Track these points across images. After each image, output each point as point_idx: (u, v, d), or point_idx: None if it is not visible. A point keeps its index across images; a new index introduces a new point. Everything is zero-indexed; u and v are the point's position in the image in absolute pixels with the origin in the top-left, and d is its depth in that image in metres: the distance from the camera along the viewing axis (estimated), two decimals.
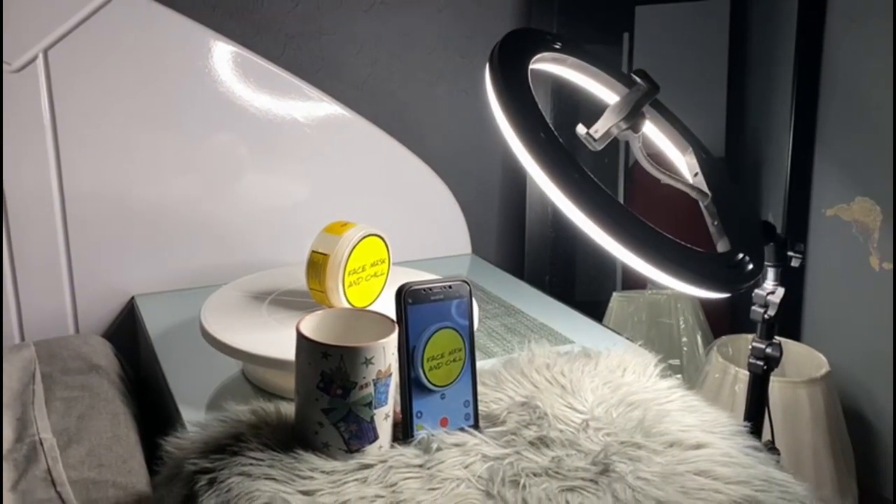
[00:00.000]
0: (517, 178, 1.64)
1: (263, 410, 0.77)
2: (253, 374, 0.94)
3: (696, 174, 0.93)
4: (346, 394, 0.71)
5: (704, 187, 0.90)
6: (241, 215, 1.29)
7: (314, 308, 0.97)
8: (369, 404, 0.72)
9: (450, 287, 0.78)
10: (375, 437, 0.73)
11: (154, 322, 1.14)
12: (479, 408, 0.80)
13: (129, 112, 1.18)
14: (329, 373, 0.70)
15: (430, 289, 0.77)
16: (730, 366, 1.36)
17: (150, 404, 1.07)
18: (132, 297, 1.23)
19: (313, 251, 0.94)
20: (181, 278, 1.25)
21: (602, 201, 0.74)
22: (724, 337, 1.51)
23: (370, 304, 0.99)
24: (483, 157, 1.61)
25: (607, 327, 1.17)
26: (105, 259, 1.21)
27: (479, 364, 0.80)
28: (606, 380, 0.87)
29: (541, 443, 0.76)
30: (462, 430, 0.78)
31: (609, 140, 0.81)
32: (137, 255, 1.23)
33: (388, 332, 0.74)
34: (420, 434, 0.76)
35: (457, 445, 0.75)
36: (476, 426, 0.79)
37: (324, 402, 0.71)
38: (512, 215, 1.67)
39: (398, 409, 0.76)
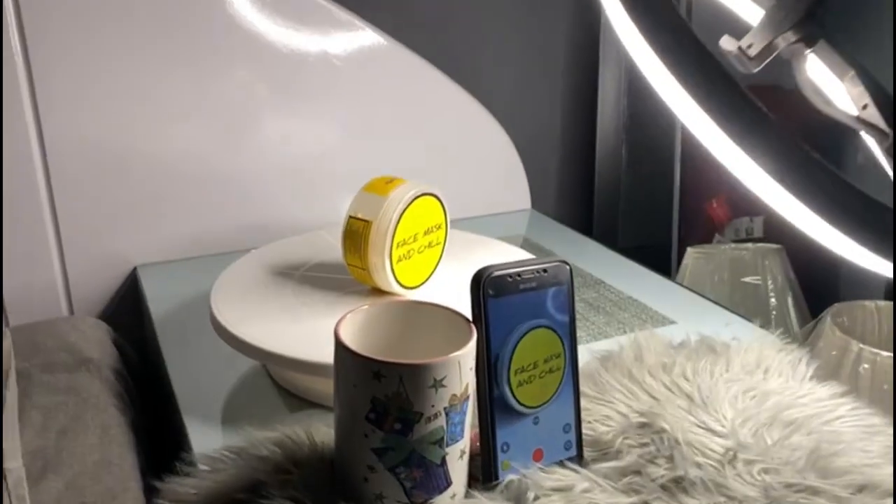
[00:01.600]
0: (584, 118, 1.40)
1: (293, 441, 0.57)
2: (281, 374, 0.74)
3: (864, 106, 0.69)
4: (407, 429, 0.50)
5: (882, 123, 0.66)
6: (261, 168, 1.07)
7: (353, 288, 0.76)
8: (440, 441, 0.51)
9: (544, 271, 0.56)
10: (447, 484, 0.52)
11: (158, 299, 0.93)
12: (584, 432, 0.59)
13: (121, 44, 0.96)
14: (383, 400, 0.49)
15: (520, 275, 0.55)
16: (851, 341, 1.13)
17: (157, 398, 0.88)
18: (134, 268, 1.03)
19: (351, 217, 0.72)
20: (192, 244, 1.05)
21: (778, 138, 0.51)
22: (837, 304, 1.28)
23: (424, 283, 0.77)
24: (543, 93, 1.37)
25: (718, 304, 0.95)
26: (100, 223, 1.00)
27: None
28: (747, 386, 0.65)
29: (676, 487, 0.55)
30: (562, 464, 0.57)
31: (768, 59, 0.57)
32: (139, 218, 1.02)
33: (464, 337, 0.52)
34: (507, 474, 0.55)
35: (559, 491, 0.54)
36: (580, 458, 0.58)
37: (376, 439, 0.50)
38: (578, 162, 1.44)
39: (476, 439, 0.55)
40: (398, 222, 0.71)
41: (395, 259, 0.72)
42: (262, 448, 0.56)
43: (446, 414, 0.50)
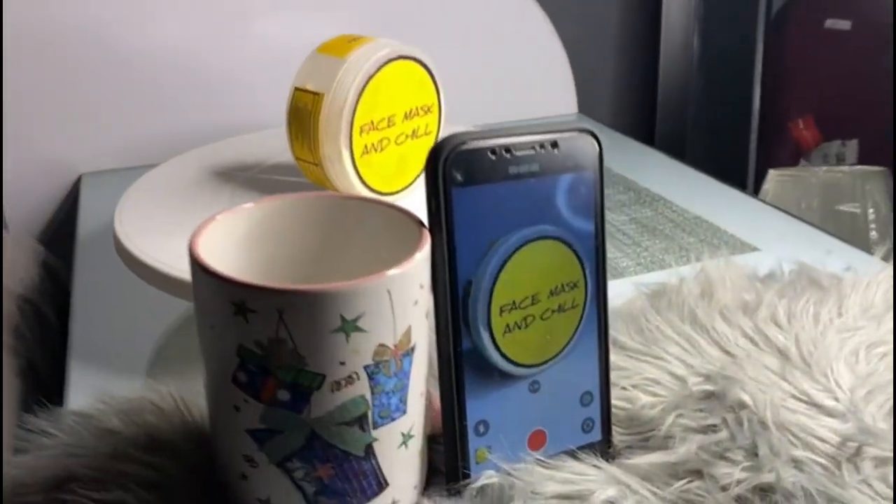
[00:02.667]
0: (641, 5, 1.15)
1: (157, 409, 0.37)
2: None
3: None
4: (300, 400, 0.29)
5: None
6: (248, 62, 0.87)
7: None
8: (360, 420, 0.30)
9: (553, 145, 0.34)
10: (379, 487, 0.32)
11: (94, 213, 0.75)
12: (614, 404, 0.38)
13: None
14: (257, 352, 0.29)
15: (510, 150, 0.33)
16: None
17: None
18: (80, 177, 0.84)
19: (298, 88, 0.51)
20: (151, 149, 0.85)
21: None
22: None
23: (406, 188, 0.56)
24: None
25: (816, 227, 0.71)
26: (45, 121, 0.82)
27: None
28: (872, 339, 0.43)
29: (762, 500, 0.33)
30: (576, 456, 0.36)
31: None
32: (88, 117, 0.83)
33: (407, 249, 0.31)
34: (484, 470, 0.34)
35: (568, 499, 0.33)
36: (606, 446, 0.37)
37: (251, 415, 0.30)
38: (636, 58, 1.19)
39: (438, 414, 0.35)
40: (360, 94, 0.49)
41: (357, 149, 0.50)
42: (111, 418, 0.36)
43: (370, 376, 0.30)
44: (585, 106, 1.06)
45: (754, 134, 1.37)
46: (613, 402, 0.38)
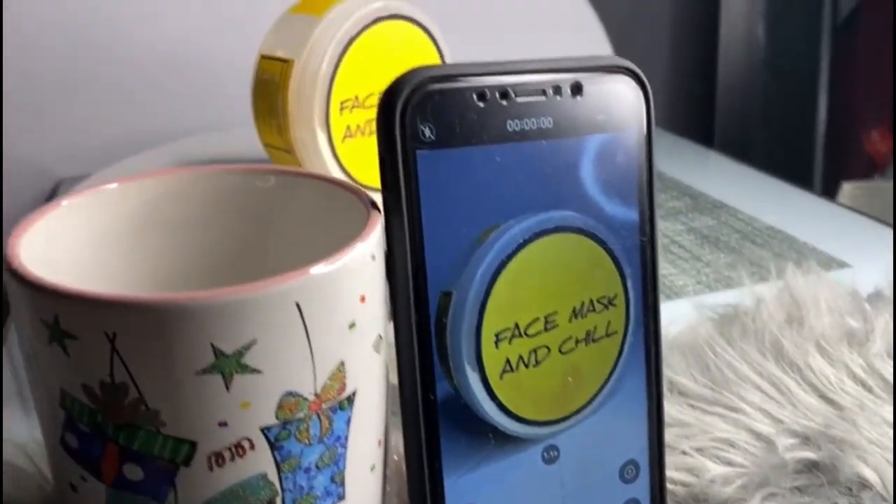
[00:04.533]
0: None
1: (14, 468, 0.26)
2: None
3: None
4: (157, 479, 0.18)
5: None
6: (235, 59, 0.77)
7: None
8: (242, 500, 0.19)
9: (575, 89, 0.23)
10: None
11: None
12: (671, 477, 0.26)
13: None
14: (86, 402, 0.18)
15: (505, 93, 0.22)
16: None
17: None
18: (57, 184, 0.75)
19: (264, 56, 0.41)
20: (135, 151, 0.76)
21: None
22: None
23: None
24: None
25: None
26: (15, 124, 0.73)
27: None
28: None
29: None
30: None
31: None
32: (68, 119, 0.75)
33: (339, 244, 0.20)
34: None
35: None
36: None
37: (93, 499, 0.19)
38: (691, 46, 1.06)
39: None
40: (339, 61, 0.39)
41: (337, 132, 0.40)
42: None
43: (274, 445, 0.18)
44: None
45: (820, 143, 1.24)
46: (670, 474, 0.26)
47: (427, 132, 0.21)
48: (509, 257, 0.22)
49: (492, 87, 0.22)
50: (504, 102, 0.22)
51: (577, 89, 0.23)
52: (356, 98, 0.40)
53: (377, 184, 0.35)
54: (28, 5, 0.71)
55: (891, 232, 0.58)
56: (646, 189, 0.24)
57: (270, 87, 0.40)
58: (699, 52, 1.06)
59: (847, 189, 1.18)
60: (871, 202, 1.17)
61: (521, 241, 0.22)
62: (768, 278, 0.47)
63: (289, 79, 0.39)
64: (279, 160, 0.42)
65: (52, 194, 0.75)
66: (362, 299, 0.20)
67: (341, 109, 0.39)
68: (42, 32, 0.71)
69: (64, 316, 0.17)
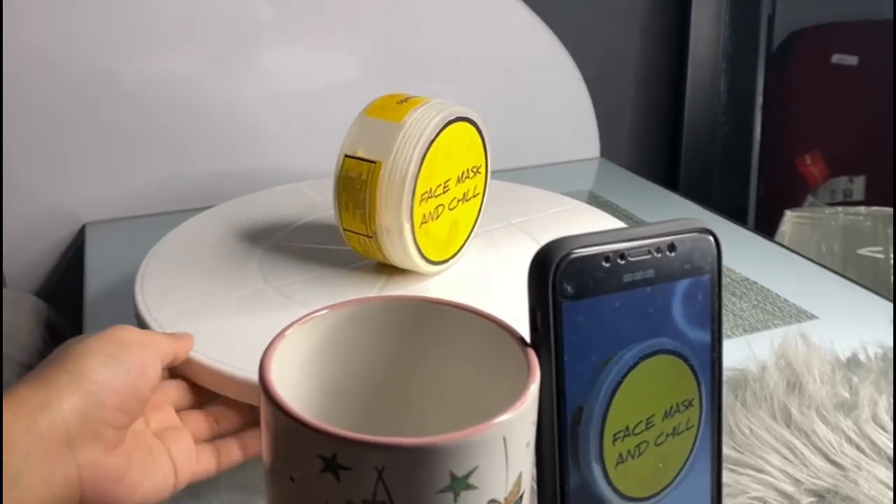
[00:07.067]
0: (672, 45, 1.12)
1: None
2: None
3: None
4: None
5: None
6: (256, 103, 0.82)
7: (352, 264, 0.51)
8: None
9: (671, 248, 0.30)
10: None
11: (101, 268, 0.69)
12: None
13: None
14: None
15: (624, 255, 0.29)
16: None
17: None
18: (83, 226, 0.79)
19: (349, 157, 0.47)
20: (158, 197, 0.80)
21: None
22: None
23: (455, 256, 0.51)
24: (620, 11, 1.08)
25: (873, 291, 0.67)
26: (47, 167, 0.76)
27: None
28: None
29: None
30: None
31: None
32: (92, 162, 0.78)
33: (514, 380, 0.27)
34: None
35: None
36: None
37: None
38: (662, 101, 1.15)
39: None
40: (422, 162, 0.45)
41: (417, 220, 0.46)
42: None
43: None
44: (608, 149, 1.02)
45: (755, 169, 1.33)
46: None
47: (569, 288, 0.28)
48: (624, 377, 0.29)
49: (614, 252, 0.28)
50: (621, 262, 0.29)
51: (671, 248, 0.30)
52: (430, 190, 0.46)
53: (439, 257, 0.44)
54: (56, 52, 0.74)
55: (851, 285, 0.68)
56: (716, 318, 0.31)
57: (356, 184, 0.46)
58: (667, 100, 1.14)
59: (790, 217, 1.28)
60: (813, 230, 1.28)
61: (632, 363, 0.29)
62: (746, 332, 0.56)
63: (377, 178, 0.45)
64: (356, 244, 0.48)
65: (77, 238, 0.79)
66: (533, 423, 0.26)
67: (420, 200, 0.46)
68: (69, 79, 0.74)
69: (343, 453, 0.23)
